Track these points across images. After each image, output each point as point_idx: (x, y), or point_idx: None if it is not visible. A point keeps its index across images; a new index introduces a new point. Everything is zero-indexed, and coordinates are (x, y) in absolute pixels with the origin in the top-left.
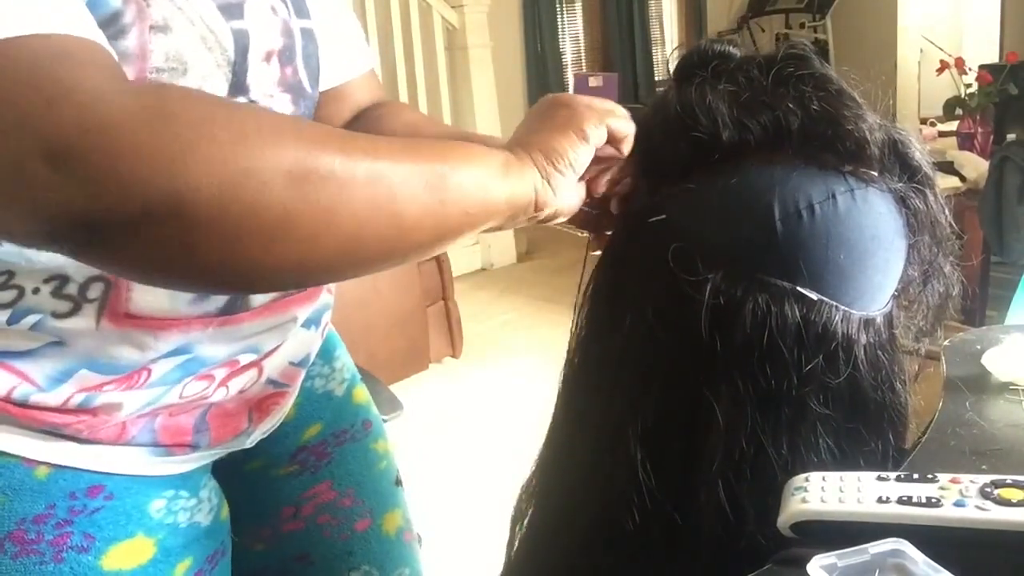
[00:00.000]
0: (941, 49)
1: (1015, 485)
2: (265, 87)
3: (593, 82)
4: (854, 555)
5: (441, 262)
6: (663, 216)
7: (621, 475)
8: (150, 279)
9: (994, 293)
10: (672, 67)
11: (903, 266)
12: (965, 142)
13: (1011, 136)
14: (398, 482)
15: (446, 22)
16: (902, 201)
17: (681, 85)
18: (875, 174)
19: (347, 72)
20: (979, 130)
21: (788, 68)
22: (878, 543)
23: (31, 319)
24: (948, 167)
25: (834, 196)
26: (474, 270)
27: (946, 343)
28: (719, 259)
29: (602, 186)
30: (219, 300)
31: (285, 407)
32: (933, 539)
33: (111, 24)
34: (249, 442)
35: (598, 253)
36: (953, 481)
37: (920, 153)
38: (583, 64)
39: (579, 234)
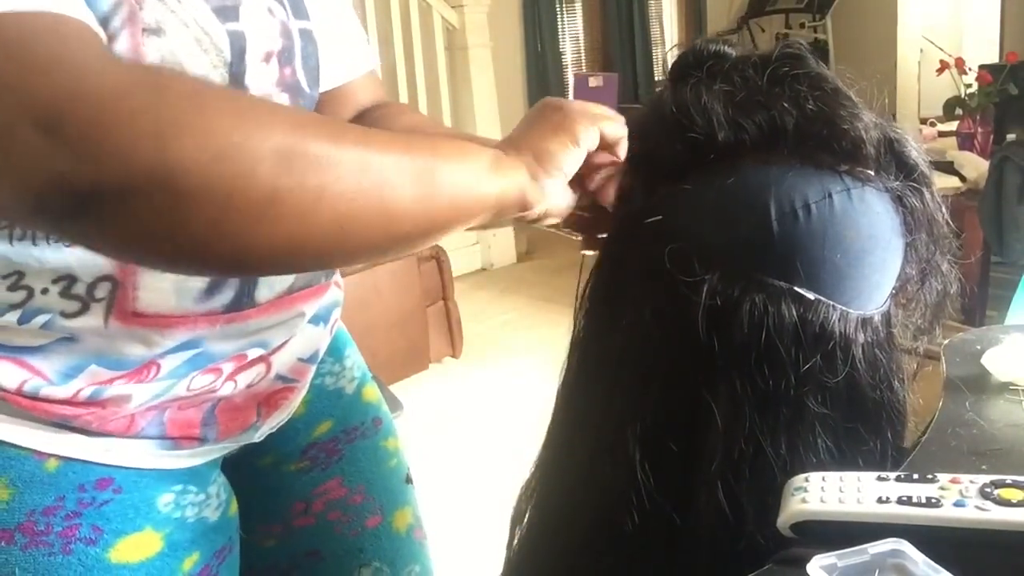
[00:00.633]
0: (941, 49)
1: (1015, 485)
2: (264, 87)
3: (593, 82)
4: (854, 555)
5: (441, 262)
6: (659, 217)
7: (620, 475)
8: (135, 254)
9: (994, 293)
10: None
11: (900, 265)
12: (965, 142)
13: (1011, 136)
14: (408, 480)
15: (446, 22)
16: (899, 200)
17: (676, 85)
18: (871, 173)
19: (348, 72)
20: (979, 130)
21: (783, 67)
22: (878, 543)
23: (41, 319)
24: (948, 167)
25: (830, 195)
26: (474, 270)
27: (946, 343)
28: (716, 260)
29: (609, 194)
30: (225, 297)
31: (294, 402)
32: (933, 539)
33: (102, 27)
34: (257, 436)
35: (592, 254)
36: (953, 481)
37: (916, 151)
38: (583, 64)
39: (572, 237)
